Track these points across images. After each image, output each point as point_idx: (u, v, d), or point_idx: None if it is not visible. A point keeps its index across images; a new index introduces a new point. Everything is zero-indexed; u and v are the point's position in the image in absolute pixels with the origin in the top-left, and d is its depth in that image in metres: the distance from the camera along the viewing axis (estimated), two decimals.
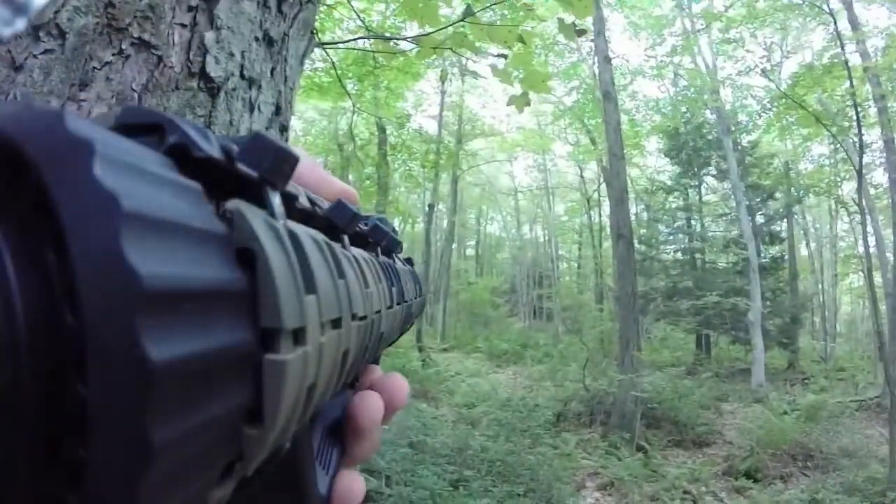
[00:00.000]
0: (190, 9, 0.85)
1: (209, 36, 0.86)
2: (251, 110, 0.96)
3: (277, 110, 1.03)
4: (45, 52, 0.72)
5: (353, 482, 0.37)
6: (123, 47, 0.78)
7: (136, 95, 0.78)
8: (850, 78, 9.40)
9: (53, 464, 0.14)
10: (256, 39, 0.95)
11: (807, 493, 6.97)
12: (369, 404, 0.38)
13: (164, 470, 0.14)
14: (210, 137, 0.20)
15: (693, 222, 19.09)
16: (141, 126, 0.19)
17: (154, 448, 0.14)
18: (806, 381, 14.06)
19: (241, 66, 0.92)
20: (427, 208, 19.90)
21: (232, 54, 0.90)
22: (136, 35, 0.79)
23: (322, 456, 0.36)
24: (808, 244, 24.68)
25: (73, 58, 0.74)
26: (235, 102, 0.92)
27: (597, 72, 12.87)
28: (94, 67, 0.75)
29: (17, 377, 0.13)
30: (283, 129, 1.07)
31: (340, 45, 5.68)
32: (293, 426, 0.22)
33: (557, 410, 10.56)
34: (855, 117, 9.04)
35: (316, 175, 0.40)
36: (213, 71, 0.87)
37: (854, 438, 8.81)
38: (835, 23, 10.12)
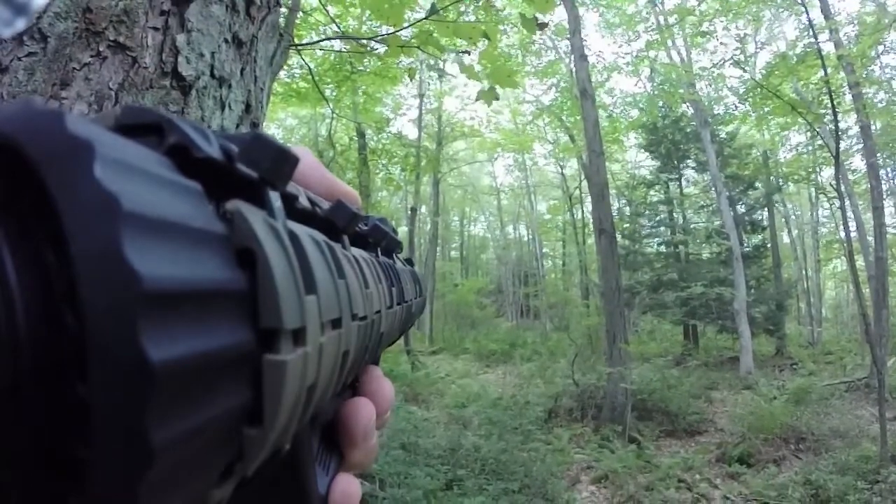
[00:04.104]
0: (162, 13, 0.89)
1: (180, 38, 0.91)
2: (222, 108, 1.00)
3: (248, 108, 1.07)
4: (29, 54, 0.76)
5: (350, 484, 0.37)
6: (101, 49, 0.82)
7: (113, 94, 0.82)
8: (824, 66, 9.46)
9: (54, 464, 0.14)
10: (226, 41, 0.99)
11: (800, 475, 6.98)
12: (361, 411, 0.38)
13: (164, 470, 0.14)
14: (210, 138, 0.20)
15: (675, 215, 19.13)
16: (141, 126, 0.19)
17: (154, 448, 0.14)
18: (794, 366, 14.13)
19: (212, 66, 0.96)
20: (409, 212, 19.90)
21: (202, 55, 0.94)
22: (112, 38, 0.83)
23: (321, 458, 0.36)
24: (789, 231, 24.93)
25: (54, 59, 0.78)
26: (206, 100, 0.96)
27: (573, 69, 12.94)
28: (74, 68, 0.79)
29: (18, 377, 0.13)
30: (254, 126, 1.11)
31: (312, 45, 5.71)
32: (293, 426, 0.22)
33: (548, 407, 10.58)
34: (830, 105, 9.11)
35: (317, 176, 0.41)
36: (185, 70, 0.91)
37: (844, 419, 8.87)
38: (807, 12, 10.20)
